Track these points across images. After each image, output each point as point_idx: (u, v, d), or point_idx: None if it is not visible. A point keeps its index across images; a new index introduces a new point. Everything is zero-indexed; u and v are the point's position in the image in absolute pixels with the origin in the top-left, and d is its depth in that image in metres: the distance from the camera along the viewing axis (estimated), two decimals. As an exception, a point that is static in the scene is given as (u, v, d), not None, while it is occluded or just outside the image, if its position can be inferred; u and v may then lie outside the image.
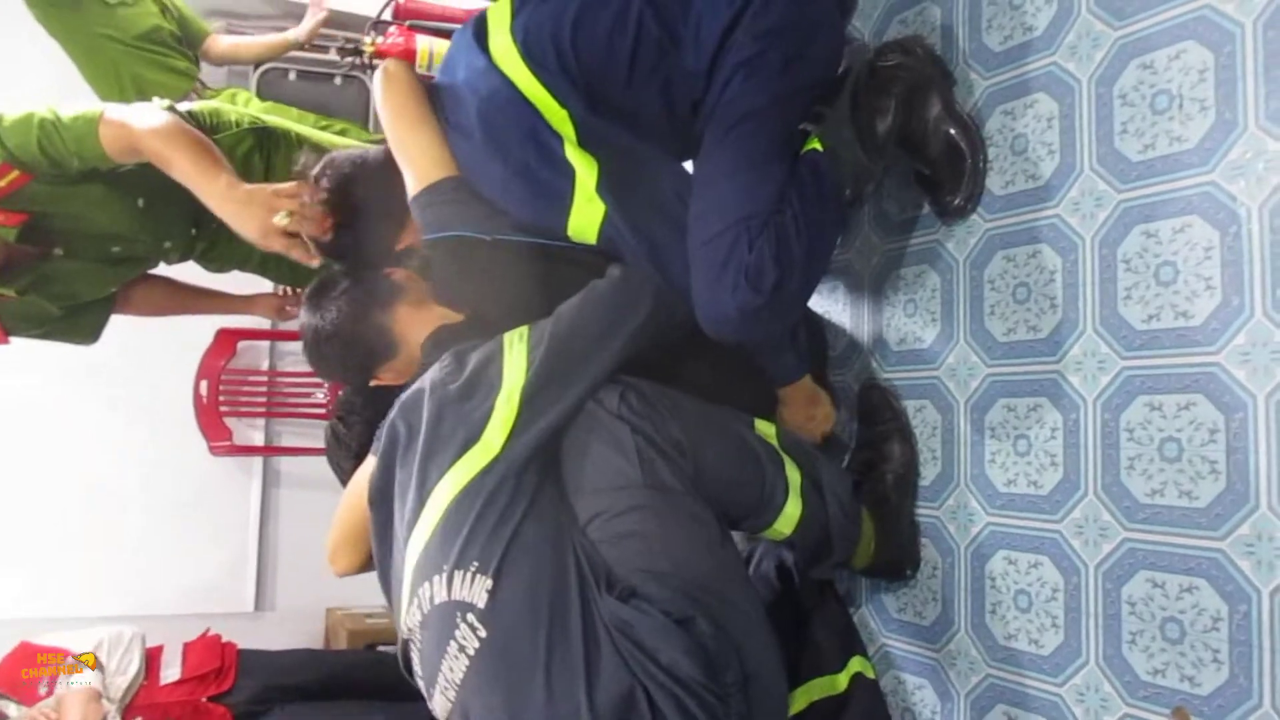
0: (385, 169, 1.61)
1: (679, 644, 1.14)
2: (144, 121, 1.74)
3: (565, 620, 1.17)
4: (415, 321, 1.58)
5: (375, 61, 3.21)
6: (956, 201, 1.52)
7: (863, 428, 1.70)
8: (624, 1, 1.43)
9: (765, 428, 1.51)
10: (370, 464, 1.46)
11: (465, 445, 1.28)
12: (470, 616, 1.20)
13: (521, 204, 1.50)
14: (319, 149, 1.87)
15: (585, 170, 1.44)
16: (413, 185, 1.53)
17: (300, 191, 1.65)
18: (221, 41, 3.27)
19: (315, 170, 1.64)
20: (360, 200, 1.62)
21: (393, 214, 1.61)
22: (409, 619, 1.28)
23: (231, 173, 1.74)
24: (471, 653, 1.19)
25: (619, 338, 1.41)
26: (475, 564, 1.21)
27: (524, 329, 1.40)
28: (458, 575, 1.22)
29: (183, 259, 2.18)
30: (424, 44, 2.90)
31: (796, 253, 1.39)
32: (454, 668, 1.21)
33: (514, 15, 1.49)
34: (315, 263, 1.68)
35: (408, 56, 2.91)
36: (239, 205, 1.68)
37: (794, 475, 1.46)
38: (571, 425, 1.35)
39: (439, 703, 1.25)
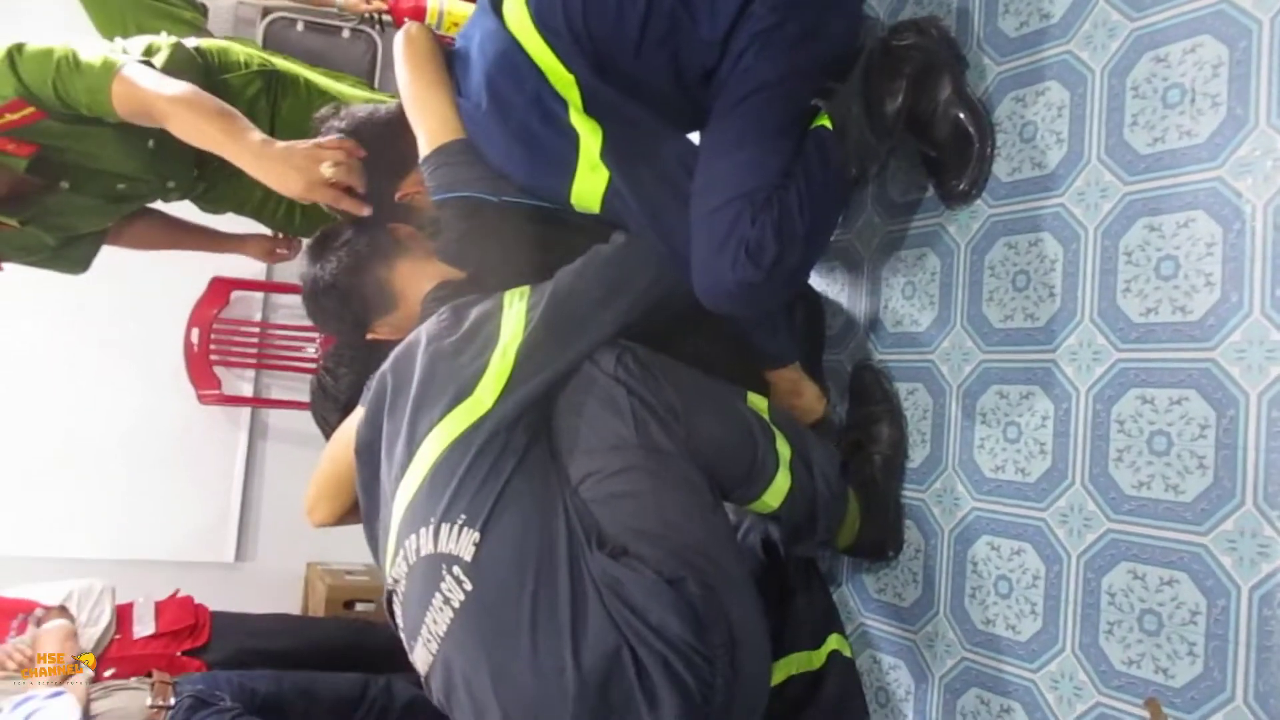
0: (396, 125, 1.60)
1: (669, 603, 1.14)
2: (161, 88, 1.71)
3: (552, 577, 1.17)
4: (416, 277, 1.58)
5: (385, 16, 3.19)
6: (961, 186, 1.52)
7: (853, 408, 1.70)
8: None
9: (758, 402, 1.51)
10: (357, 416, 1.46)
11: (457, 399, 1.28)
12: (456, 569, 1.20)
13: (523, 169, 1.49)
14: (335, 102, 1.87)
15: (589, 136, 1.43)
16: (424, 147, 1.53)
17: (345, 145, 1.61)
18: None
19: (330, 121, 1.64)
20: (370, 154, 1.62)
21: (400, 170, 1.61)
22: (394, 570, 1.29)
23: (258, 130, 1.71)
24: (456, 606, 1.19)
25: (618, 303, 1.41)
26: (463, 517, 1.21)
27: (525, 288, 1.40)
28: (445, 528, 1.22)
29: (182, 199, 2.17)
30: (435, 2, 2.88)
31: (799, 229, 1.39)
32: (438, 620, 1.21)
33: None
34: (365, 211, 1.64)
35: (417, 14, 2.89)
36: (277, 162, 1.62)
37: (784, 449, 1.46)
38: (567, 386, 1.35)
39: (420, 655, 1.25)
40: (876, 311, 1.70)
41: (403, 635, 1.30)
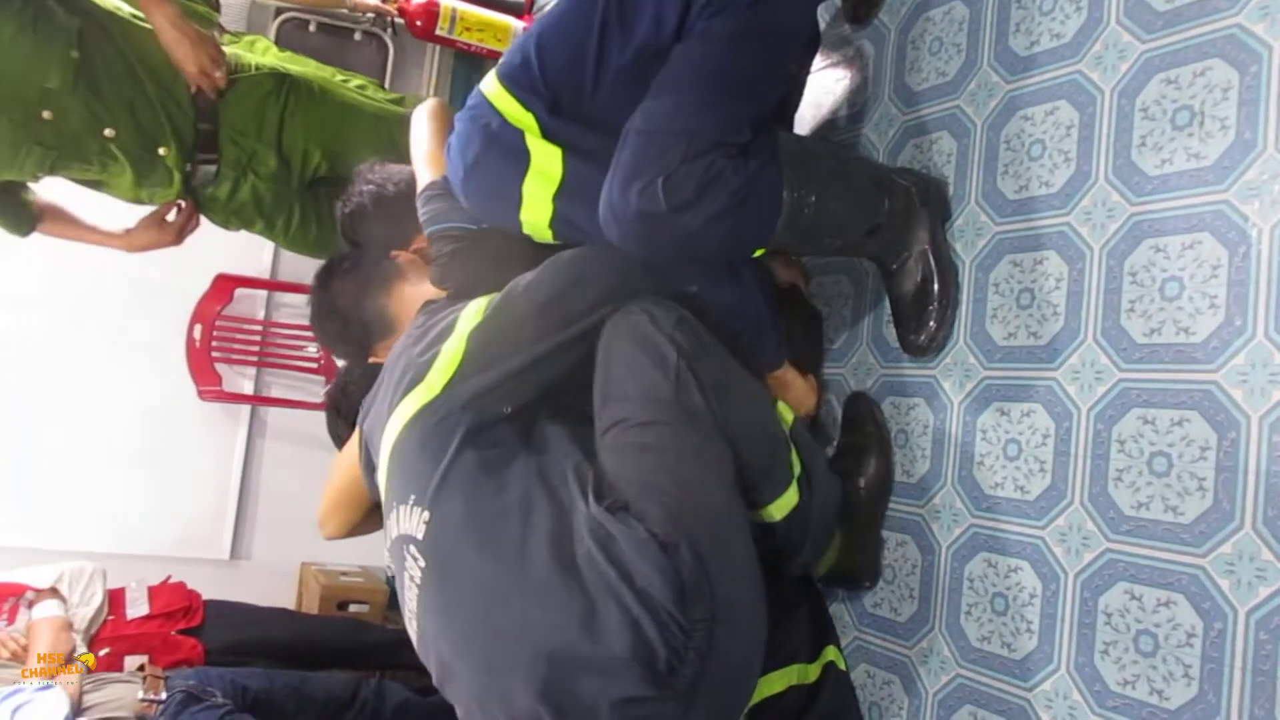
0: (414, 184, 1.74)
1: (657, 564, 1.12)
2: None
3: (502, 545, 1.18)
4: (414, 303, 1.63)
5: (397, 19, 3.21)
6: (920, 341, 1.57)
7: (844, 435, 1.71)
8: (590, 4, 1.42)
9: (784, 412, 1.53)
10: (357, 434, 1.52)
11: (411, 385, 1.33)
12: (412, 548, 1.24)
13: (478, 202, 1.56)
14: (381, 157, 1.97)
15: (538, 175, 1.47)
16: (419, 185, 1.68)
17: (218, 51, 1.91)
18: None
19: (366, 174, 1.82)
20: (389, 204, 1.76)
21: (414, 222, 1.71)
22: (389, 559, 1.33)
23: (180, 10, 1.88)
24: (419, 583, 1.23)
25: (577, 300, 1.41)
26: (413, 497, 1.26)
27: (495, 294, 1.44)
28: (403, 510, 1.27)
29: (147, 181, 2.12)
30: (448, 4, 2.90)
31: (719, 202, 1.36)
32: (409, 599, 1.25)
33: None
34: (220, 83, 1.99)
35: (430, 16, 2.91)
36: (179, 38, 1.89)
37: (796, 466, 1.47)
38: (616, 335, 1.37)
39: (411, 633, 1.29)
40: (880, 326, 1.70)
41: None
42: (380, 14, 3.08)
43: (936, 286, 1.54)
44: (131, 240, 2.38)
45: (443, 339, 1.37)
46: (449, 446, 1.26)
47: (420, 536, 1.23)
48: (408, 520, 1.26)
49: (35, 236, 2.32)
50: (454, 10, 2.91)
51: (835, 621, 1.71)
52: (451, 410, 1.29)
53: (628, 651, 1.09)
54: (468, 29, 2.96)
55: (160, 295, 3.46)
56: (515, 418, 1.35)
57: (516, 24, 3.05)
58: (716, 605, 1.15)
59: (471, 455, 1.26)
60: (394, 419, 1.32)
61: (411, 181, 1.75)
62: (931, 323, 1.55)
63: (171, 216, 2.35)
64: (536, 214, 1.49)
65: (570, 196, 1.46)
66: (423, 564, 1.22)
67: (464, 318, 1.39)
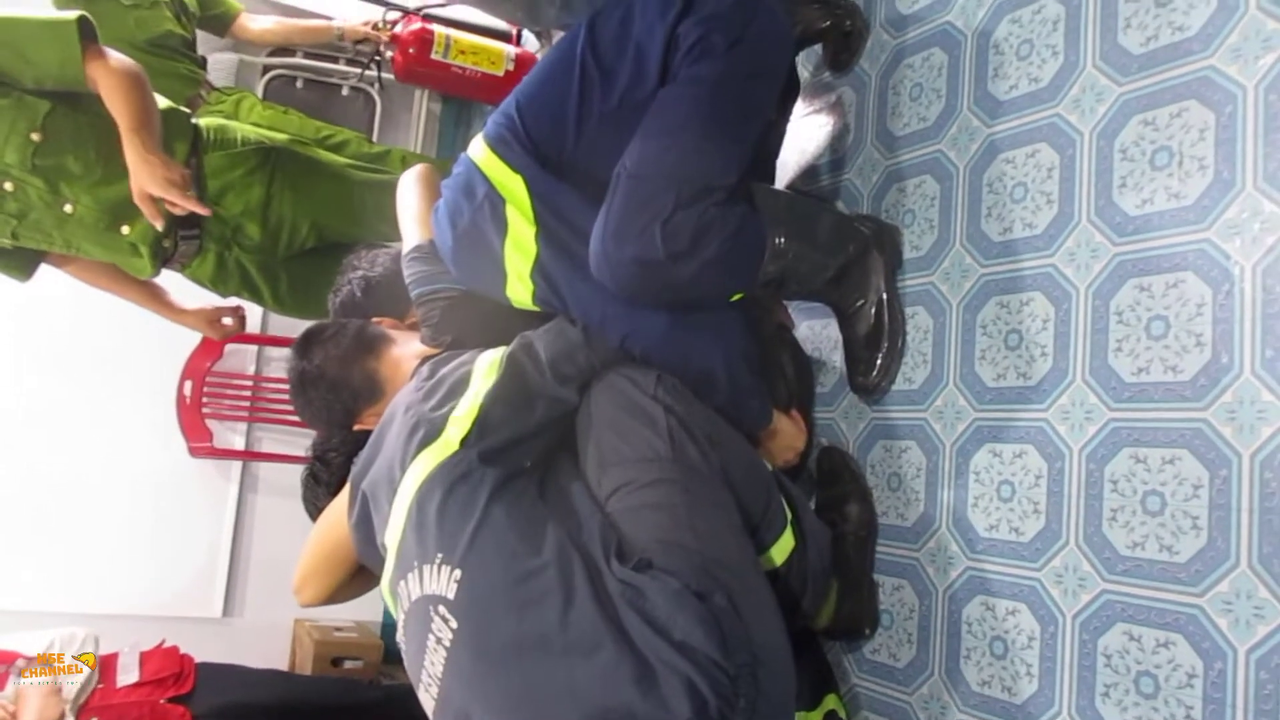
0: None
1: (695, 614, 1.10)
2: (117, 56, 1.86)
3: (542, 603, 1.14)
4: (403, 365, 1.61)
5: (386, 76, 3.24)
6: (866, 383, 1.64)
7: (822, 490, 1.71)
8: (568, 61, 1.45)
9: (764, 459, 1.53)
10: (345, 493, 1.48)
11: (426, 440, 1.30)
12: (442, 608, 1.19)
13: (464, 270, 1.59)
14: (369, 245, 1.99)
15: (517, 248, 1.49)
16: (405, 247, 1.71)
17: (181, 183, 1.84)
18: (255, 22, 3.22)
19: (354, 261, 1.89)
20: (382, 284, 1.82)
21: (403, 299, 1.74)
22: (398, 620, 1.28)
23: (153, 134, 1.85)
24: (448, 645, 1.18)
25: (583, 356, 1.44)
26: (440, 555, 1.21)
27: (503, 348, 1.44)
28: (427, 569, 1.22)
29: (114, 258, 2.11)
30: (441, 31, 2.94)
31: (713, 249, 1.39)
32: (434, 662, 1.20)
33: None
34: (159, 224, 1.87)
35: (423, 43, 2.95)
36: (144, 162, 1.81)
37: (788, 510, 1.46)
38: (603, 402, 1.38)
39: (424, 700, 1.24)
40: (869, 369, 1.70)
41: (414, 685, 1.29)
42: (370, 40, 3.11)
43: (888, 332, 1.60)
44: (178, 315, 2.43)
45: (457, 394, 1.34)
46: (477, 503, 1.22)
47: (452, 596, 1.19)
48: (434, 580, 1.21)
49: (33, 286, 2.28)
50: (448, 36, 2.95)
51: (834, 668, 1.69)
52: (473, 466, 1.26)
53: (687, 711, 1.06)
54: (461, 52, 3.00)
55: (150, 352, 3.44)
56: (535, 469, 1.34)
57: (508, 49, 3.09)
58: (755, 648, 1.13)
59: (501, 512, 1.22)
60: (409, 475, 1.28)
61: (397, 258, 1.75)
62: (880, 365, 1.62)
63: (227, 320, 2.48)
64: (519, 292, 1.52)
65: (545, 277, 1.48)
66: (455, 624, 1.17)
67: (479, 373, 1.37)
